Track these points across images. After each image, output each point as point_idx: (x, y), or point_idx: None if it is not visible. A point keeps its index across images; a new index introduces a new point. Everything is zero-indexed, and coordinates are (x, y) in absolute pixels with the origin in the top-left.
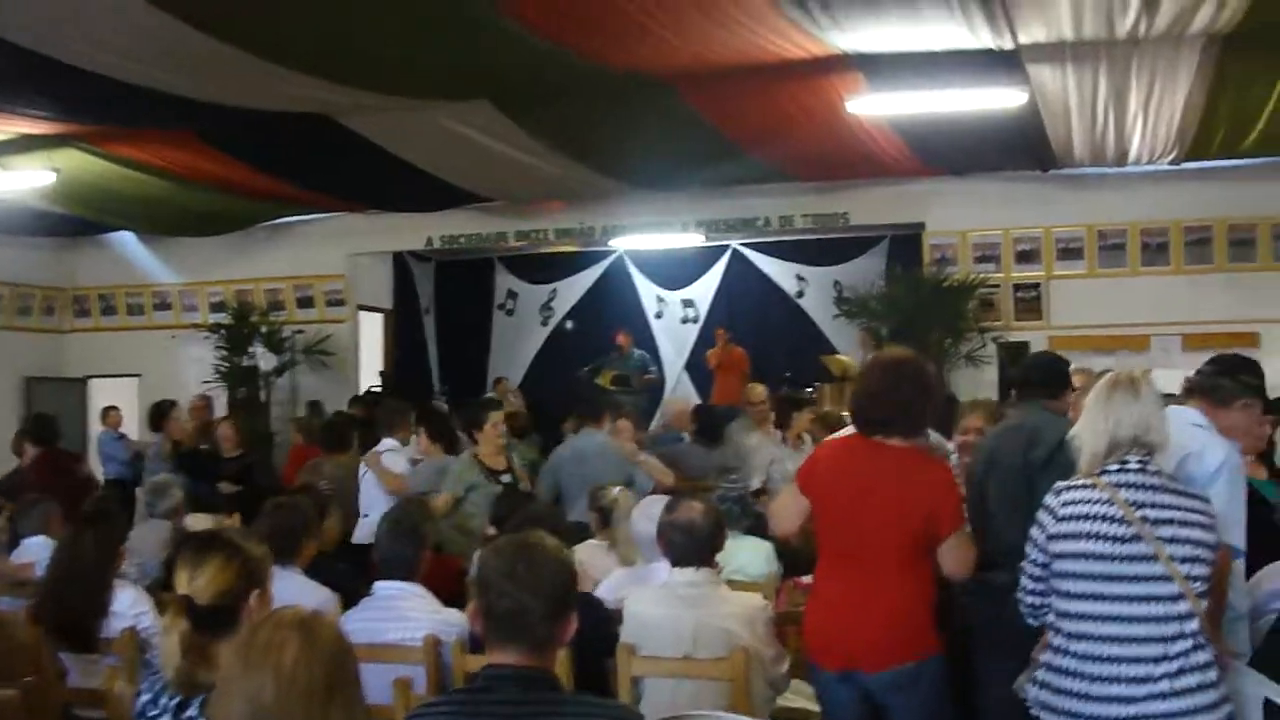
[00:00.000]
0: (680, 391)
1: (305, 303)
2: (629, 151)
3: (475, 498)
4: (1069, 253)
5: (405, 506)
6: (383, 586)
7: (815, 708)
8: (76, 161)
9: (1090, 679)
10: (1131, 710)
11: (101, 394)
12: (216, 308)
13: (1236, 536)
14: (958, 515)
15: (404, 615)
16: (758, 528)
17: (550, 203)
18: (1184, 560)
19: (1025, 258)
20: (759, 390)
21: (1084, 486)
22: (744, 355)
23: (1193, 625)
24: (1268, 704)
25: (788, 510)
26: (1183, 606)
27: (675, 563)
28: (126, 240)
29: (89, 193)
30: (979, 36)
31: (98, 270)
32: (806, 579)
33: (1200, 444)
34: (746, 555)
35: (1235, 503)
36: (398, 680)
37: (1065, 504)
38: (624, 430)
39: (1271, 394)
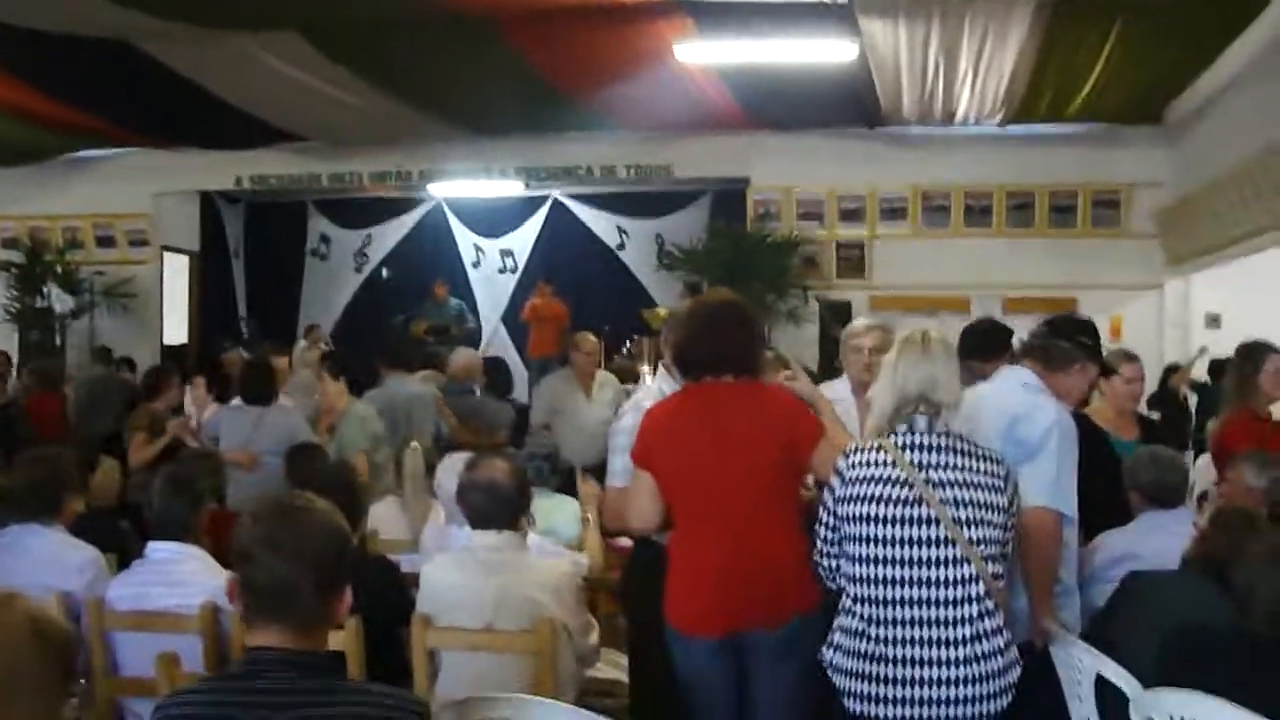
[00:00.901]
0: (497, 343)
1: (106, 242)
2: (447, 91)
3: None
4: (893, 213)
5: (186, 459)
6: (156, 548)
7: (625, 679)
8: None
9: (877, 640)
10: (918, 672)
11: None
12: (8, 244)
13: (1066, 502)
14: (815, 427)
15: (180, 580)
16: (567, 485)
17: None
18: (968, 523)
19: (849, 216)
20: (590, 340)
21: (871, 449)
22: (565, 310)
23: (978, 589)
24: (1100, 678)
25: (641, 501)
26: (966, 570)
27: (476, 525)
28: None
29: None
30: None
31: None
32: (621, 540)
33: (1029, 406)
34: (558, 516)
35: (1065, 467)
36: (161, 655)
37: (852, 466)
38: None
39: None
